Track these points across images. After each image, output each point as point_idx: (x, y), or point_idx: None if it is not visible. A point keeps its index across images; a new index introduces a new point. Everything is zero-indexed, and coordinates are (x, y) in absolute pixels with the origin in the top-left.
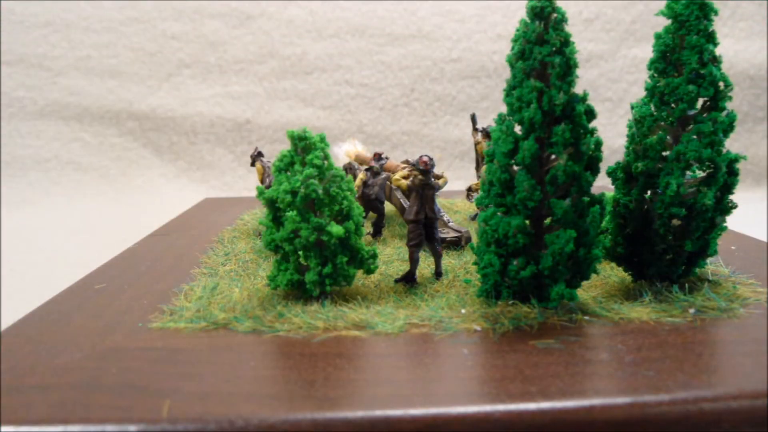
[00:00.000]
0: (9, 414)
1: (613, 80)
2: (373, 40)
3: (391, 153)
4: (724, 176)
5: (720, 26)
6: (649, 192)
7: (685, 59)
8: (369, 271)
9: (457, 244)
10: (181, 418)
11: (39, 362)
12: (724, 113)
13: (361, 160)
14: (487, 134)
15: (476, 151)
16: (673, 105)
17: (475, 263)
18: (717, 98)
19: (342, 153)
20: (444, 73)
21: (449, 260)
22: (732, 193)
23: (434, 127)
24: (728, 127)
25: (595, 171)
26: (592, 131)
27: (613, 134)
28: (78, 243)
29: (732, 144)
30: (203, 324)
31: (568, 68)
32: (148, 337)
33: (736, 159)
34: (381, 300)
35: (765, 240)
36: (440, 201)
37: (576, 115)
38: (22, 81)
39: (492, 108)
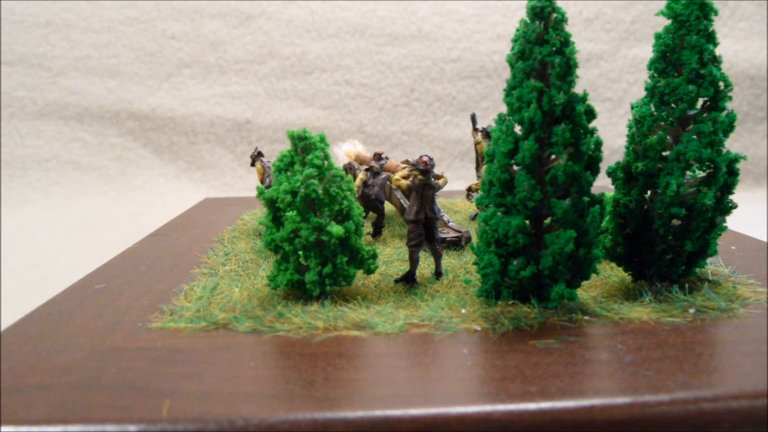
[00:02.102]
0: (9, 414)
1: (613, 80)
2: (373, 40)
3: (391, 153)
4: (724, 176)
5: (720, 26)
6: (649, 192)
7: (685, 59)
8: (369, 271)
9: (457, 244)
10: (181, 418)
11: (39, 362)
12: (724, 113)
13: (361, 160)
14: (487, 134)
15: (476, 151)
16: (673, 105)
17: (475, 263)
18: (717, 98)
19: (342, 153)
20: (444, 73)
21: (449, 260)
22: (732, 193)
23: (434, 127)
24: (728, 127)
25: (595, 171)
26: (592, 131)
27: (613, 134)
28: (78, 243)
29: (732, 144)
30: (203, 324)
31: (568, 68)
32: (148, 337)
33: (736, 159)
34: (381, 300)
35: (765, 240)
36: (440, 201)
37: (576, 115)
38: (22, 81)
39: (492, 108)
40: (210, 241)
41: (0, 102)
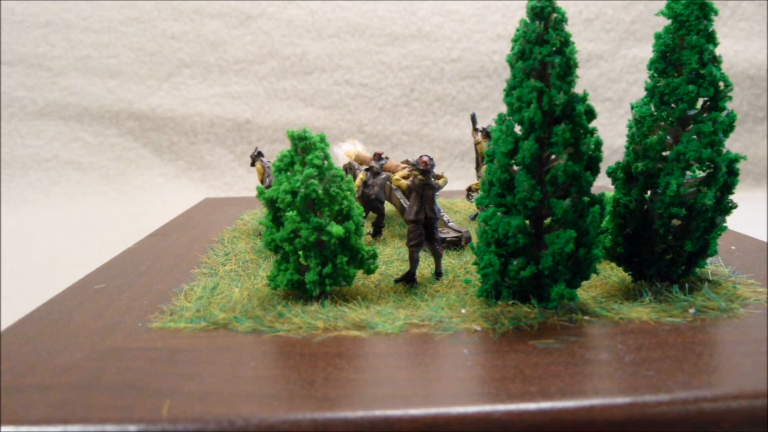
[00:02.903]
0: (9, 414)
1: (613, 80)
2: (373, 39)
3: (391, 153)
4: (724, 176)
5: (720, 26)
6: (649, 192)
7: (685, 59)
8: (369, 271)
9: (457, 244)
10: (181, 418)
11: (39, 362)
12: (724, 113)
13: (361, 160)
14: (487, 134)
15: (476, 151)
16: (673, 105)
17: (475, 263)
18: (717, 98)
19: (342, 153)
20: (444, 73)
21: (449, 260)
22: (732, 193)
23: (434, 127)
24: (728, 127)
25: (595, 171)
26: (592, 131)
27: (613, 134)
28: (78, 243)
29: (732, 144)
30: (203, 324)
31: (568, 68)
32: (148, 337)
33: (736, 159)
34: (381, 300)
35: (765, 240)
36: (440, 201)
37: (576, 115)
38: (22, 81)
39: (492, 108)
40: (210, 241)
41: (0, 102)
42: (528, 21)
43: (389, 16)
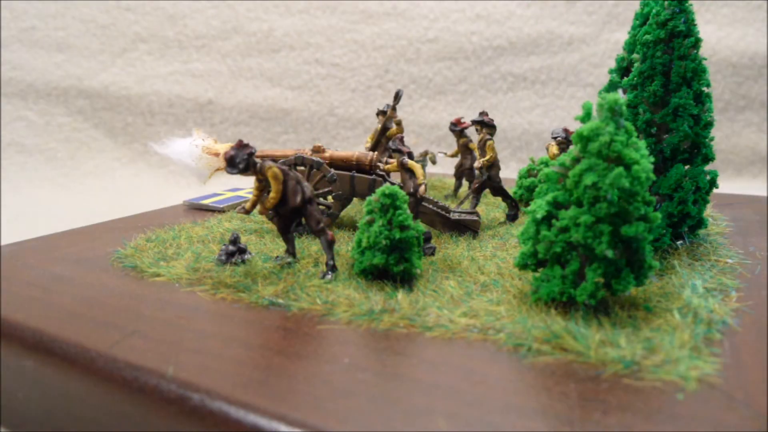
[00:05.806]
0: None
1: (595, 65)
2: (345, 17)
3: (362, 137)
4: None
5: (702, 12)
6: None
7: None
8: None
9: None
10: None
11: None
12: None
13: (213, 152)
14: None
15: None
16: None
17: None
18: None
19: (194, 150)
20: (420, 54)
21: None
22: None
23: (409, 111)
24: None
25: None
26: None
27: None
28: (20, 236)
29: (713, 133)
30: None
31: None
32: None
33: None
34: None
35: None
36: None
37: None
38: None
39: (470, 91)
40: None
41: None
42: None
43: None
